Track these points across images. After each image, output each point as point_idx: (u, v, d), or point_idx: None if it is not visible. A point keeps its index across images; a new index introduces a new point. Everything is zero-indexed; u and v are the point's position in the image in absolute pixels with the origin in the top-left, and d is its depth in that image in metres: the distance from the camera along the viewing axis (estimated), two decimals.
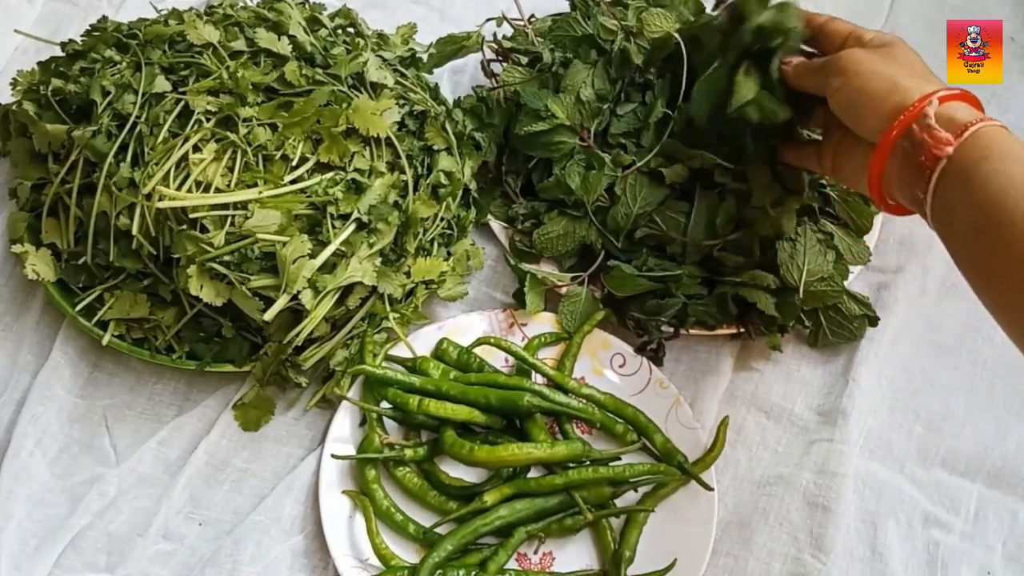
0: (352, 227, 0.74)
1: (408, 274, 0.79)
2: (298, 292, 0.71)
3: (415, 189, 0.80)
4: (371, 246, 0.75)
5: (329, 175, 0.75)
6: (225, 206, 0.71)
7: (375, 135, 0.77)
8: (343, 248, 0.73)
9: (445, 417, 0.74)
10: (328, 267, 0.73)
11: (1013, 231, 0.53)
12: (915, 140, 0.59)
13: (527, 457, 0.73)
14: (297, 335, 0.73)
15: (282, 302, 0.71)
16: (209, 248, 0.70)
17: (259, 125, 0.75)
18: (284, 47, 0.80)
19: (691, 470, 0.75)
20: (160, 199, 0.70)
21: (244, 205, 0.71)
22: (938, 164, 0.58)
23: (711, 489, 0.74)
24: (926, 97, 0.60)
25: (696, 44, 0.79)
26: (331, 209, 0.73)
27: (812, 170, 0.76)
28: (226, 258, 0.70)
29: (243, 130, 0.74)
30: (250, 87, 0.76)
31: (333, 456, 0.74)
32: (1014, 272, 0.53)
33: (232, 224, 0.71)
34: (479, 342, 0.80)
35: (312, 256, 0.71)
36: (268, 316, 0.70)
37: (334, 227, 0.73)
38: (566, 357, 0.79)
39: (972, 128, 0.58)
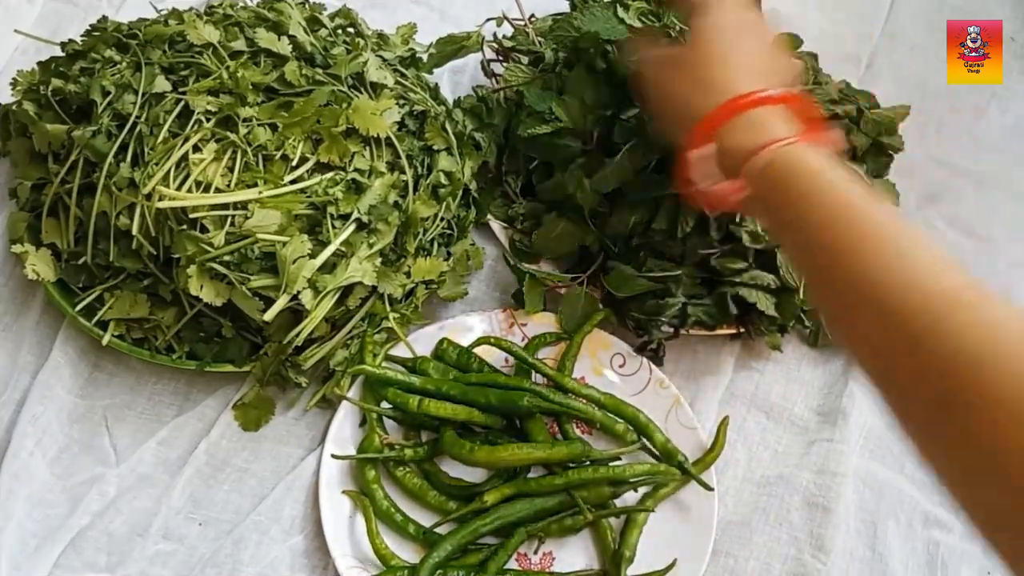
0: (352, 227, 0.74)
1: (408, 274, 0.79)
2: (298, 292, 0.71)
3: (415, 189, 0.80)
4: (371, 246, 0.75)
5: (329, 175, 0.75)
6: (225, 206, 0.71)
7: (375, 135, 0.77)
8: (343, 248, 0.73)
9: (445, 417, 0.74)
10: (328, 267, 0.73)
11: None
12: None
13: (527, 457, 0.73)
14: (297, 335, 0.73)
15: (282, 302, 0.70)
16: (209, 248, 0.70)
17: (259, 125, 0.75)
18: (284, 47, 0.80)
19: (691, 470, 0.75)
20: (160, 199, 0.70)
21: (244, 205, 0.71)
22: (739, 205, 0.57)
23: (711, 489, 0.74)
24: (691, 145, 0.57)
25: None
26: (331, 209, 0.73)
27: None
28: (226, 258, 0.70)
29: (243, 130, 0.74)
30: (250, 87, 0.76)
31: (333, 456, 0.74)
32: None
33: (232, 224, 0.71)
34: (479, 342, 0.80)
35: (312, 256, 0.71)
36: (268, 316, 0.70)
37: (334, 227, 0.73)
38: (566, 357, 0.79)
39: (756, 162, 0.54)
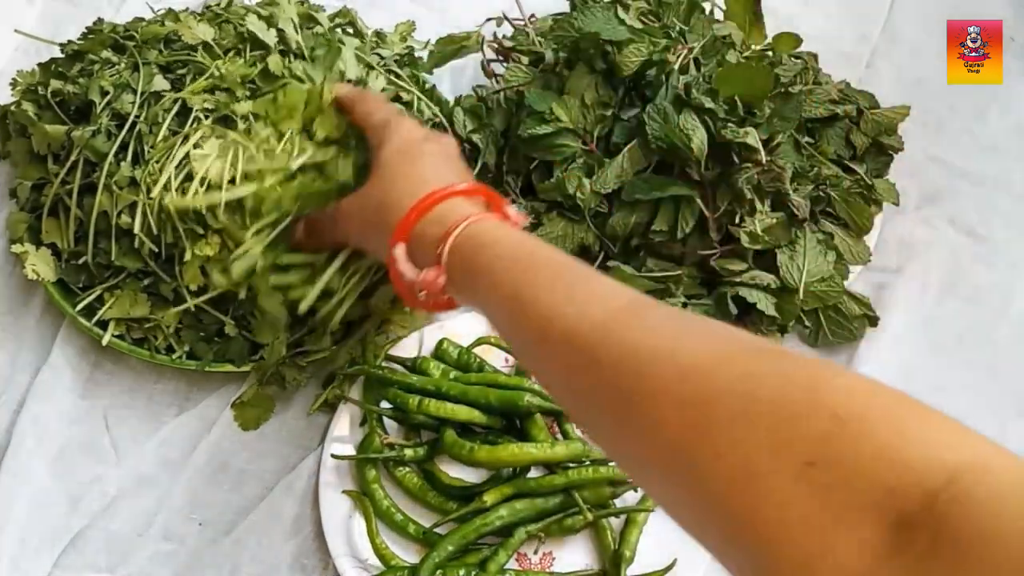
0: None
1: None
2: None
3: None
4: None
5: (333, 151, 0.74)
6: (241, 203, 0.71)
7: (329, 136, 0.74)
8: None
9: (445, 417, 0.74)
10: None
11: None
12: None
13: (527, 457, 0.73)
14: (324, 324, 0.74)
15: (313, 295, 0.71)
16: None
17: (257, 120, 0.74)
18: (270, 37, 0.79)
19: None
20: (180, 195, 0.71)
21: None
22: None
23: None
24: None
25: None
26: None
27: None
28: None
29: (241, 125, 0.74)
30: (237, 80, 0.75)
31: (333, 456, 0.74)
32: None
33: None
34: (479, 342, 0.80)
35: None
36: (303, 308, 0.71)
37: None
38: None
39: (445, 248, 0.57)
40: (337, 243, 0.71)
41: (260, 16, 0.80)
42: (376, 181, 0.65)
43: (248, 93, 0.76)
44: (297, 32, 0.82)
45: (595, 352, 0.47)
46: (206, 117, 0.74)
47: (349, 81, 0.81)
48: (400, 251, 0.60)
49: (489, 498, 0.72)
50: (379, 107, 0.72)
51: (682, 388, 0.42)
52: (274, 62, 0.77)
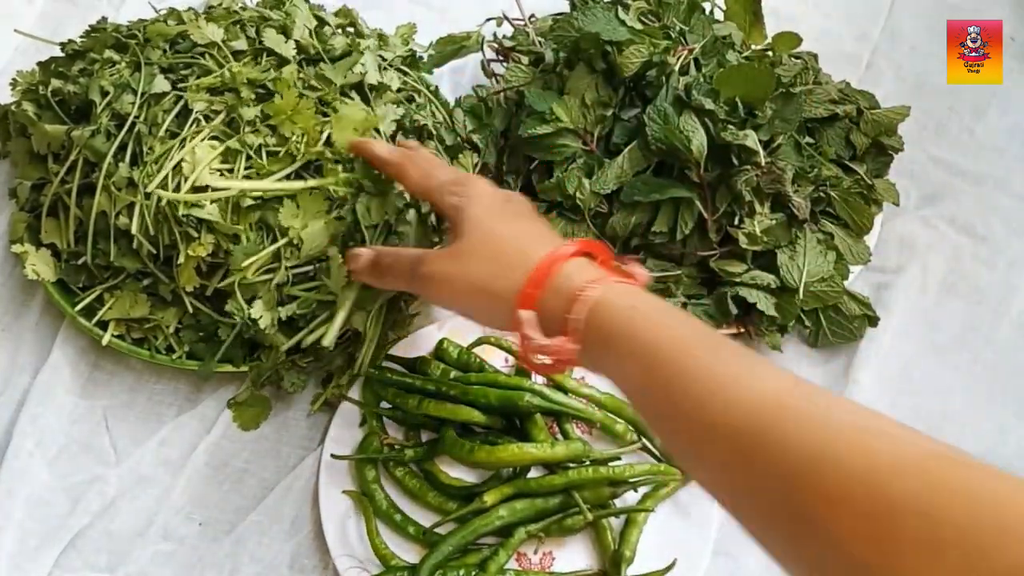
0: (382, 238, 0.74)
1: None
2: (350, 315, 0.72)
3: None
4: None
5: (343, 175, 0.74)
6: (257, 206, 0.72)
7: (349, 156, 0.75)
8: None
9: (444, 417, 0.74)
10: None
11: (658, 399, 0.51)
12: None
13: (527, 457, 0.73)
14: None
15: (337, 326, 0.71)
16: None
17: (263, 124, 0.74)
18: (288, 50, 0.79)
19: None
20: (189, 190, 0.71)
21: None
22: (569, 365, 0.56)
23: None
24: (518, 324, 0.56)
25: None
26: (363, 220, 0.73)
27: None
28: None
29: (247, 129, 0.74)
30: (245, 82, 0.75)
31: (333, 456, 0.74)
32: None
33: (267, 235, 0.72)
34: (479, 342, 0.80)
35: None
36: (327, 341, 0.71)
37: (365, 239, 0.73)
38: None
39: (583, 297, 0.54)
40: (426, 298, 0.69)
41: (276, 28, 0.80)
42: (472, 246, 0.61)
43: (254, 97, 0.76)
44: (312, 37, 0.82)
45: (751, 452, 0.44)
46: (207, 120, 0.74)
47: (371, 87, 0.81)
48: (528, 316, 0.56)
49: (489, 498, 0.72)
50: (437, 168, 0.69)
51: (863, 497, 0.38)
52: (288, 71, 0.77)
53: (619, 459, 0.76)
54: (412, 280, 0.64)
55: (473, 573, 0.71)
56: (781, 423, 0.43)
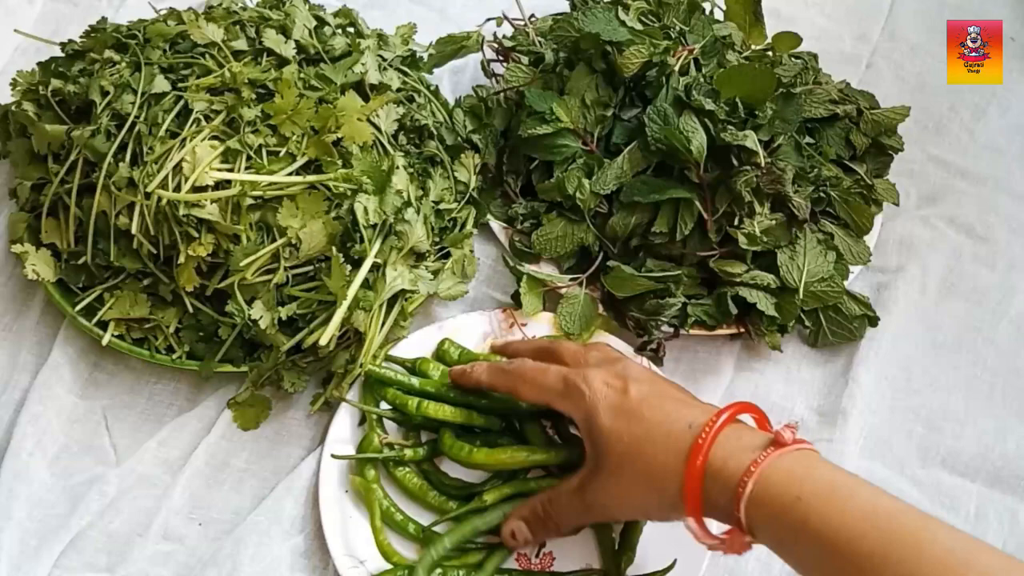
0: (380, 239, 0.74)
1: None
2: (349, 314, 0.72)
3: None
4: (400, 250, 0.75)
5: (343, 171, 0.74)
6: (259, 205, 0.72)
7: (359, 144, 0.76)
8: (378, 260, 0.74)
9: (443, 420, 0.74)
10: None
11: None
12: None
13: (525, 460, 0.73)
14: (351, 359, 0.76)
15: (335, 325, 0.71)
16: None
17: (264, 124, 0.74)
18: (288, 50, 0.80)
19: None
20: (190, 189, 0.71)
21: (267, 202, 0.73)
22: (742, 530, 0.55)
23: None
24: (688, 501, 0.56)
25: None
26: (361, 219, 0.73)
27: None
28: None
29: (247, 129, 0.74)
30: (245, 82, 0.75)
31: (333, 456, 0.74)
32: None
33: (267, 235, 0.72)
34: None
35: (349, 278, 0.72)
36: (323, 341, 0.71)
37: (364, 238, 0.73)
38: None
39: (745, 494, 0.53)
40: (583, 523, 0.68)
41: (275, 29, 0.81)
42: (617, 465, 0.60)
43: (255, 97, 0.76)
44: (312, 37, 0.82)
45: None
46: (207, 119, 0.74)
47: (371, 87, 0.81)
48: (693, 524, 0.56)
49: (489, 497, 0.71)
50: (545, 375, 0.68)
51: None
52: (288, 71, 0.77)
53: None
54: (580, 508, 0.65)
55: (473, 573, 0.71)
56: None
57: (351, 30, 0.89)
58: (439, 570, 0.70)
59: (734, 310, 0.80)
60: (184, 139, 0.72)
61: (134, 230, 0.72)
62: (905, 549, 0.48)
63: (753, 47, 0.91)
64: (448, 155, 0.86)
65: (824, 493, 0.52)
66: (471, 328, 0.81)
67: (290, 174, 0.73)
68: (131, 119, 0.74)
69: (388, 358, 0.78)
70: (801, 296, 0.79)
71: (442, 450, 0.74)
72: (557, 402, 0.66)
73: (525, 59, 0.90)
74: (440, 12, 1.02)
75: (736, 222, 0.80)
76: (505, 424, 0.77)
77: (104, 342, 0.76)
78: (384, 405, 0.77)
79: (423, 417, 0.75)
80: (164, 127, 0.73)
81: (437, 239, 0.83)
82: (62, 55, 0.83)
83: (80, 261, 0.77)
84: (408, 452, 0.74)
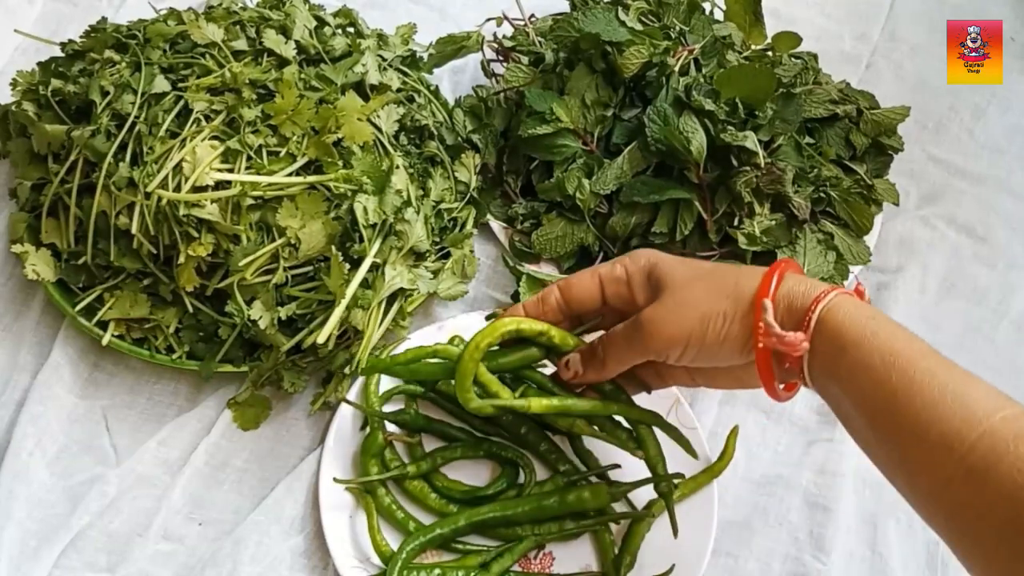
0: (380, 239, 0.74)
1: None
2: (348, 313, 0.72)
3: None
4: (399, 250, 0.75)
5: (343, 172, 0.74)
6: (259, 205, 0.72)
7: (359, 143, 0.76)
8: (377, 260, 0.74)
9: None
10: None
11: (889, 420, 0.52)
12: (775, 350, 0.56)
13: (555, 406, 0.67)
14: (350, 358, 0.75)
15: (333, 323, 0.71)
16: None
17: (264, 124, 0.74)
18: (289, 50, 0.80)
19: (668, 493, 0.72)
20: (188, 194, 0.70)
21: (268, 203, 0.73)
22: (803, 363, 0.55)
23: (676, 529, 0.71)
24: (757, 310, 0.56)
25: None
26: (360, 218, 0.73)
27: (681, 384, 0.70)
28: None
29: (247, 130, 0.74)
30: (246, 82, 0.75)
31: (335, 480, 0.73)
32: (908, 455, 0.51)
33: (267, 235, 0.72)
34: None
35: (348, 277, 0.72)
36: (321, 338, 0.71)
37: (363, 238, 0.73)
38: None
39: (814, 315, 0.54)
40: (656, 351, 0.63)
41: (275, 29, 0.81)
42: (684, 279, 0.60)
43: (255, 97, 0.76)
44: (312, 37, 0.82)
45: (984, 470, 0.45)
46: (207, 119, 0.74)
47: (372, 87, 0.81)
48: (769, 305, 0.55)
49: (534, 404, 0.66)
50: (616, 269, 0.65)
51: None
52: (289, 72, 0.77)
53: (619, 465, 0.76)
54: (634, 336, 0.61)
55: (473, 574, 0.71)
56: (1017, 447, 0.44)
57: (351, 30, 0.89)
58: (438, 571, 0.70)
59: None
60: (184, 139, 0.72)
61: (134, 230, 0.72)
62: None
63: (753, 47, 0.91)
64: (448, 155, 0.86)
65: (895, 323, 0.53)
66: (471, 328, 0.81)
67: (290, 174, 0.73)
68: (131, 119, 0.74)
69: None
70: None
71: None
72: (613, 281, 0.64)
73: (525, 59, 0.90)
74: (440, 12, 1.02)
75: (736, 222, 0.80)
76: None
77: (104, 342, 0.76)
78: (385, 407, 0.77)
79: (423, 419, 0.75)
80: (164, 127, 0.73)
81: (437, 239, 0.82)
82: (62, 55, 0.83)
83: (80, 261, 0.77)
84: (411, 468, 0.74)
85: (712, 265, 0.63)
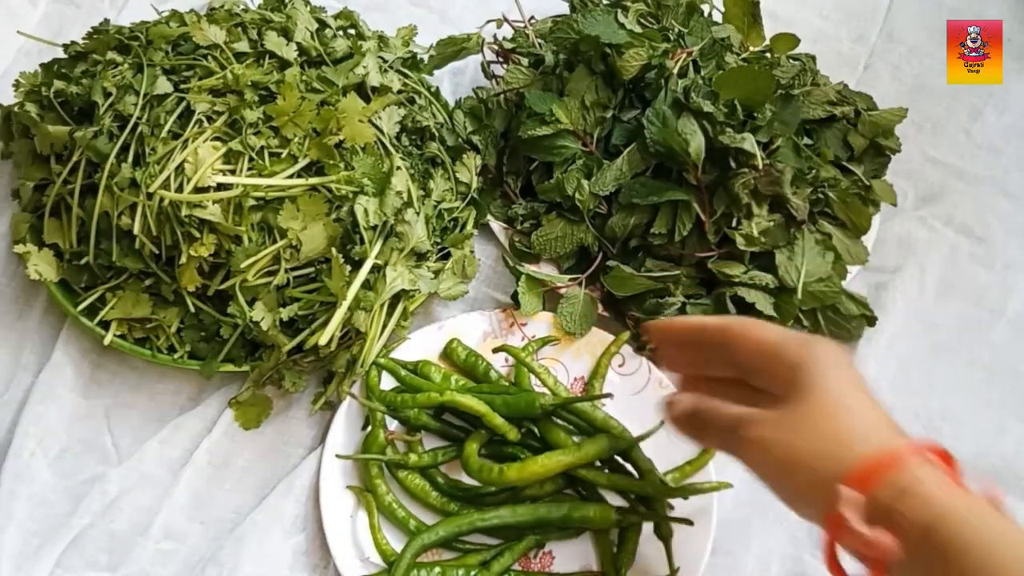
0: (381, 241, 0.74)
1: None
2: (350, 314, 0.72)
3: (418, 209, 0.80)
4: (400, 251, 0.75)
5: (344, 173, 0.74)
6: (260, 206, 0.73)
7: (361, 144, 0.76)
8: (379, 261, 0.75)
9: (471, 408, 0.73)
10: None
11: None
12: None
13: (557, 465, 0.71)
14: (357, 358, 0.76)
15: (335, 325, 0.71)
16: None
17: (266, 126, 0.75)
18: (290, 52, 0.80)
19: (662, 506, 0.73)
20: (188, 194, 0.71)
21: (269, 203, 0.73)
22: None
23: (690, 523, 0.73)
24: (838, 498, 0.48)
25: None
26: (361, 220, 0.73)
27: None
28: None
29: (249, 131, 0.74)
30: (248, 84, 0.76)
31: (337, 456, 0.74)
32: None
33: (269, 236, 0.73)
34: (502, 348, 0.80)
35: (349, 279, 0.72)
36: (323, 340, 0.71)
37: (364, 240, 0.74)
38: (594, 378, 0.79)
39: (917, 524, 0.47)
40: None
41: (277, 31, 0.81)
42: (812, 416, 0.53)
43: (257, 99, 0.76)
44: (314, 39, 0.83)
45: None
46: (209, 121, 0.75)
47: (373, 89, 0.82)
48: (852, 496, 0.48)
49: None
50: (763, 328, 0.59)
51: None
52: (291, 74, 0.77)
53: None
54: (731, 441, 0.56)
55: (473, 573, 0.71)
56: None
57: (352, 32, 0.89)
58: (438, 569, 0.70)
59: (733, 310, 0.80)
60: (186, 140, 0.73)
61: (136, 230, 0.73)
62: None
63: (751, 49, 0.92)
64: (449, 156, 0.86)
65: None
66: (471, 328, 0.82)
67: (292, 176, 0.73)
68: (133, 120, 0.75)
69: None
70: (799, 296, 0.80)
71: (470, 473, 0.72)
72: (783, 345, 0.56)
73: (525, 61, 0.91)
74: (440, 14, 1.03)
75: (734, 223, 0.80)
76: (524, 429, 0.76)
77: (106, 342, 0.76)
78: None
79: (424, 420, 0.75)
80: (166, 128, 0.74)
81: (438, 239, 0.83)
82: (65, 56, 0.83)
83: (82, 261, 0.77)
84: (412, 457, 0.74)
85: (853, 411, 0.54)
